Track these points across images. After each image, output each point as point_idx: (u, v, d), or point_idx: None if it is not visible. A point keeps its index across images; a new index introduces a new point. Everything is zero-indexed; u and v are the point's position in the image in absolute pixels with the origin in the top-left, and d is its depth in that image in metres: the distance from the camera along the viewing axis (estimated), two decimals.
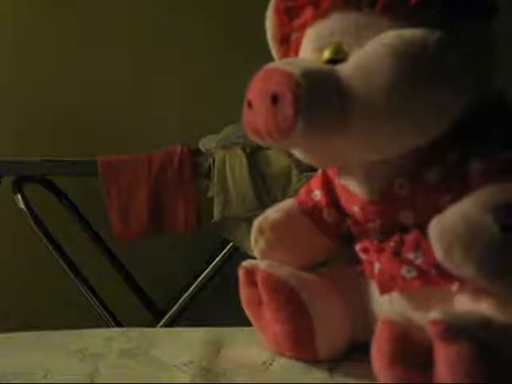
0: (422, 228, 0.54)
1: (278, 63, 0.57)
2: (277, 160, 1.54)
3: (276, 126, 0.53)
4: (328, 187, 0.66)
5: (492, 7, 0.57)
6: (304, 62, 0.56)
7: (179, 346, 0.68)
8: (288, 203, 0.69)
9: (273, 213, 0.68)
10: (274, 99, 0.52)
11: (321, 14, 0.58)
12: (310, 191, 0.68)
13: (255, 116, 0.55)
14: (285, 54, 0.65)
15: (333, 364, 0.61)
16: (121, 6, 1.68)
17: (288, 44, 0.64)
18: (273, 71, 0.55)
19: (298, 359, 0.63)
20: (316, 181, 0.67)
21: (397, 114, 0.52)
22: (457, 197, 0.52)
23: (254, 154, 1.54)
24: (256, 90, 0.55)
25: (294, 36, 0.62)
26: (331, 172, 0.65)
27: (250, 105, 0.56)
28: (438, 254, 0.49)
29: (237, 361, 0.64)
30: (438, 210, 0.51)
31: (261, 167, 1.54)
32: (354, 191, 0.60)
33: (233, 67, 1.63)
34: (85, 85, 1.70)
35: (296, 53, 0.63)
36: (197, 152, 1.47)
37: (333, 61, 0.56)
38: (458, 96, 0.54)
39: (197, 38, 1.67)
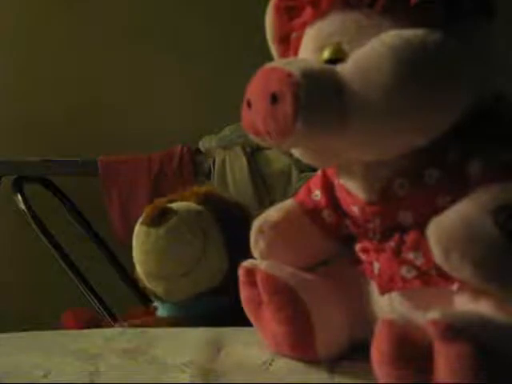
0: (422, 228, 0.54)
1: (278, 63, 0.56)
2: (277, 160, 1.54)
3: (275, 126, 0.53)
4: (328, 187, 0.65)
5: (492, 7, 0.57)
6: (304, 62, 0.56)
7: (179, 346, 0.68)
8: (288, 203, 0.69)
9: (273, 213, 0.68)
10: (274, 99, 0.52)
11: (320, 13, 0.58)
12: (310, 191, 0.68)
13: (254, 116, 0.55)
14: (284, 53, 0.64)
15: (333, 364, 0.61)
16: (121, 6, 1.68)
17: (288, 43, 0.63)
18: (272, 70, 0.54)
19: (297, 359, 0.63)
20: (316, 181, 0.67)
21: (396, 114, 0.52)
22: (457, 197, 0.52)
23: (253, 154, 1.54)
24: (255, 89, 0.55)
25: (293, 35, 0.62)
26: (331, 172, 0.65)
27: (249, 104, 0.55)
28: (437, 255, 0.49)
29: (237, 361, 0.64)
30: (438, 210, 0.51)
31: (261, 167, 1.54)
32: (353, 191, 0.60)
33: (232, 67, 1.63)
34: (85, 85, 1.70)
35: (295, 52, 0.62)
36: (197, 152, 1.47)
37: (332, 61, 0.56)
38: (458, 96, 0.54)
39: (197, 38, 1.67)
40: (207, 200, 1.05)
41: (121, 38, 1.69)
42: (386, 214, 0.58)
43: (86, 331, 0.75)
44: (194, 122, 1.64)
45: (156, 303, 1.07)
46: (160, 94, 1.70)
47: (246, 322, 0.68)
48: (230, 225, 1.02)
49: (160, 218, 0.98)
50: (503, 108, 0.58)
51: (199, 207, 1.02)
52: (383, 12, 0.54)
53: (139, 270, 1.02)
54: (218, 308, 1.01)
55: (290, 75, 0.52)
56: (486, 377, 0.44)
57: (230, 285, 1.00)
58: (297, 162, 1.40)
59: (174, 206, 1.01)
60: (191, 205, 1.03)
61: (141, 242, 0.99)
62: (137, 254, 1.01)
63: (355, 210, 0.61)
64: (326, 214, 0.66)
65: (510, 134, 0.55)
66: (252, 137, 0.57)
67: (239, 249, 1.04)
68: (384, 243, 0.59)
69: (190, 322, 0.97)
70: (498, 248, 0.47)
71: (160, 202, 1.04)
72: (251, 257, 0.68)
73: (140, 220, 1.01)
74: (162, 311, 1.05)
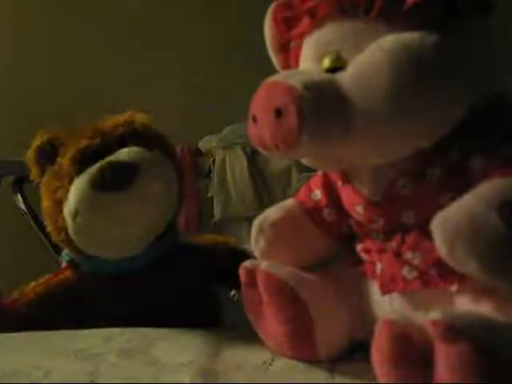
0: (423, 228, 0.54)
1: (280, 76, 0.57)
2: (277, 160, 1.54)
3: (281, 139, 0.54)
4: (328, 187, 0.66)
5: (491, 6, 0.57)
6: (305, 74, 0.56)
7: (179, 346, 0.68)
8: (288, 203, 0.69)
9: (273, 212, 0.68)
10: (278, 113, 0.53)
11: (317, 23, 0.58)
12: (310, 191, 0.68)
13: (260, 130, 0.56)
14: (285, 62, 0.65)
15: (333, 364, 0.61)
16: (121, 6, 1.68)
17: (288, 52, 0.64)
18: (275, 85, 0.55)
19: (298, 359, 0.63)
20: (316, 181, 0.68)
21: (398, 119, 0.52)
22: (458, 194, 0.52)
23: (254, 154, 1.55)
24: (259, 104, 0.56)
25: (292, 44, 0.63)
26: (333, 174, 0.65)
27: (254, 119, 0.56)
28: (442, 250, 0.49)
29: (237, 361, 0.64)
30: (440, 208, 0.51)
31: (261, 167, 1.55)
32: (357, 192, 0.60)
33: (233, 68, 1.63)
34: (85, 85, 1.70)
35: (296, 60, 0.63)
36: (197, 152, 1.47)
37: (333, 69, 0.56)
38: (459, 97, 0.54)
39: (197, 38, 1.67)
40: (145, 137, 0.86)
41: (121, 38, 1.69)
42: (389, 213, 0.58)
43: (85, 331, 0.75)
44: (194, 122, 1.64)
45: (70, 257, 0.87)
46: (160, 93, 1.70)
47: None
48: (179, 167, 0.89)
49: (124, 179, 0.78)
50: (503, 108, 0.58)
51: (151, 153, 0.84)
52: (379, 17, 0.54)
53: (95, 238, 0.81)
54: (158, 256, 0.84)
55: (292, 89, 0.53)
56: (486, 377, 0.44)
57: (168, 230, 0.86)
58: (297, 162, 1.40)
59: (122, 156, 0.81)
60: (140, 151, 0.84)
61: (96, 209, 0.78)
62: (92, 222, 0.79)
63: (360, 210, 0.61)
64: (326, 213, 0.66)
65: (510, 132, 0.55)
66: (260, 149, 0.58)
67: (182, 194, 0.89)
68: (386, 243, 0.59)
69: (122, 279, 0.82)
70: (502, 242, 0.47)
71: (105, 159, 0.80)
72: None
73: (92, 183, 0.78)
74: (90, 266, 0.85)
